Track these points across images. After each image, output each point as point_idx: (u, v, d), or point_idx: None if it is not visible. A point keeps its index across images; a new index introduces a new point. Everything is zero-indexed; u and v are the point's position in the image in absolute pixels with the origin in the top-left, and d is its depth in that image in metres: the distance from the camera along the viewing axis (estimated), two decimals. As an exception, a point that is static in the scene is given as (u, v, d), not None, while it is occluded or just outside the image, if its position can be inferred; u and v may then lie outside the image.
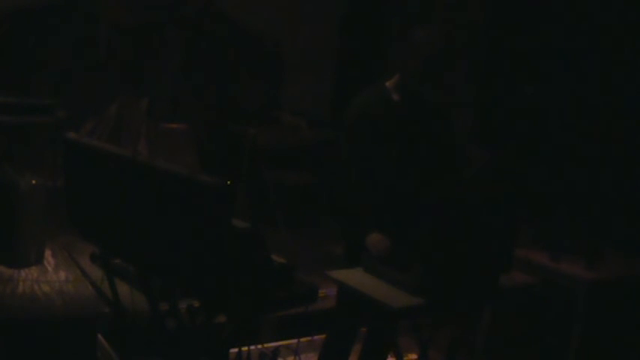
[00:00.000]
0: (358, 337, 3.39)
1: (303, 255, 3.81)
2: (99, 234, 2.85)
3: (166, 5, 5.77)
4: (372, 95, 3.22)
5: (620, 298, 3.94)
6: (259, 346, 3.50)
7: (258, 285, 2.38)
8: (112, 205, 2.66)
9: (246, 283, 2.33)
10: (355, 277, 2.87)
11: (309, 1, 6.32)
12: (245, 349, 3.31)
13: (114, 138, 5.42)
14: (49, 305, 3.84)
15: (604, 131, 4.67)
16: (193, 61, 5.93)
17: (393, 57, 5.74)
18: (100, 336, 3.49)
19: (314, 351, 3.78)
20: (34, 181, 4.27)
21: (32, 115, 5.01)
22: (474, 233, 2.70)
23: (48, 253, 4.47)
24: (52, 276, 4.22)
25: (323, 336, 3.73)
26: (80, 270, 4.28)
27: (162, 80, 5.72)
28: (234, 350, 3.33)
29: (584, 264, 3.72)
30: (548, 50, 5.08)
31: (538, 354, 4.10)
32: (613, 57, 4.70)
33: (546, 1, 5.13)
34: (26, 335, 3.54)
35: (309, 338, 3.90)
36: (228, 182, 2.23)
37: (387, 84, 3.22)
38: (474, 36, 5.57)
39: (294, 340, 3.63)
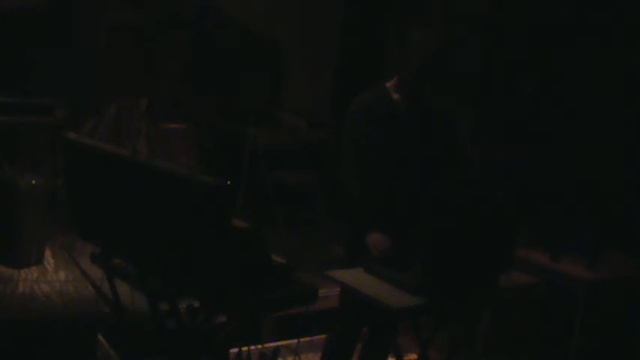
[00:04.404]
0: (360, 336, 3.39)
1: (303, 255, 3.81)
2: (99, 234, 2.85)
3: (166, 5, 5.77)
4: (373, 95, 3.23)
5: (620, 298, 3.94)
6: (259, 346, 3.50)
7: (259, 285, 2.38)
8: (112, 205, 2.66)
9: (246, 283, 2.33)
10: (355, 277, 2.87)
11: (310, 0, 6.31)
12: (245, 349, 3.31)
13: (114, 138, 5.42)
14: (49, 305, 3.84)
15: (604, 130, 4.67)
16: (193, 61, 5.94)
17: (393, 57, 5.74)
18: (100, 336, 3.49)
19: (314, 351, 3.78)
20: (34, 181, 4.27)
21: (32, 115, 5.01)
22: (473, 233, 2.70)
23: (48, 254, 4.48)
24: (52, 276, 4.23)
25: (323, 336, 3.73)
26: (80, 270, 4.28)
27: (162, 80, 5.72)
28: (234, 350, 3.33)
29: (584, 264, 3.72)
30: (549, 49, 5.08)
31: (538, 354, 4.10)
32: (614, 55, 4.70)
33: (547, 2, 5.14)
34: (26, 335, 3.54)
35: (309, 338, 3.90)
36: (228, 182, 2.23)
37: (388, 84, 3.23)
38: (474, 35, 5.57)
39: (294, 340, 3.63)
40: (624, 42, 4.65)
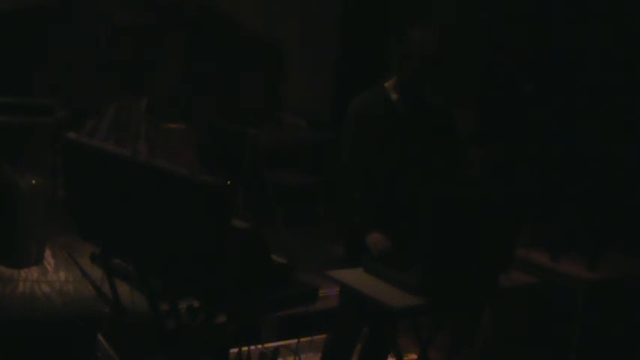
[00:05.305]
0: (360, 336, 3.39)
1: (303, 255, 3.81)
2: (99, 234, 2.85)
3: (166, 5, 5.77)
4: (372, 95, 3.23)
5: (620, 298, 3.94)
6: (259, 346, 3.50)
7: (258, 285, 2.38)
8: (112, 205, 2.66)
9: (246, 283, 2.33)
10: (355, 277, 2.87)
11: (309, 1, 6.31)
12: (245, 349, 3.31)
13: (114, 138, 5.42)
14: (49, 305, 3.84)
15: (604, 131, 4.67)
16: (193, 61, 5.94)
17: (393, 57, 5.74)
18: (100, 336, 3.49)
19: (314, 351, 3.78)
20: (34, 181, 4.27)
21: (32, 115, 5.01)
22: (473, 233, 2.70)
23: (48, 254, 4.48)
24: (52, 276, 4.23)
25: (323, 336, 3.73)
26: (80, 270, 4.28)
27: (162, 80, 5.72)
28: (234, 350, 3.33)
29: (584, 264, 3.72)
30: (548, 49, 5.07)
31: (538, 354, 4.09)
32: (613, 56, 4.70)
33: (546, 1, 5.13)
34: (26, 335, 3.54)
35: (309, 338, 3.90)
36: (228, 182, 2.23)
37: (386, 84, 3.23)
38: (474, 36, 5.57)
39: (294, 340, 3.63)
40: (625, 41, 4.65)
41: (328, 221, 5.55)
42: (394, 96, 3.20)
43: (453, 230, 2.66)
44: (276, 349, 3.55)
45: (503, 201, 2.86)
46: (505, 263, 2.90)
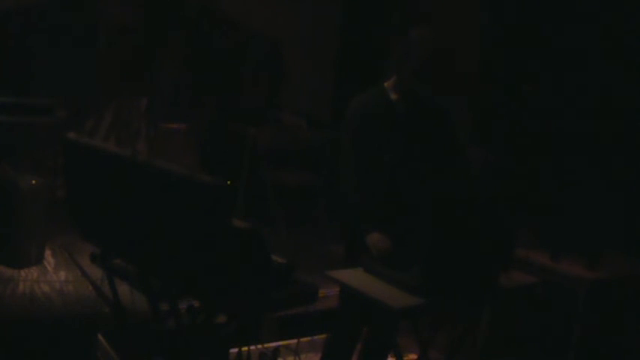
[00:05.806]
0: (360, 336, 3.39)
1: (303, 255, 3.81)
2: (99, 234, 2.85)
3: (166, 5, 5.77)
4: (371, 95, 3.23)
5: (620, 298, 3.94)
6: (259, 346, 3.50)
7: (258, 285, 2.38)
8: (112, 205, 2.66)
9: (246, 283, 2.33)
10: (355, 277, 2.87)
11: (309, 1, 6.32)
12: (245, 349, 3.31)
13: (114, 138, 5.42)
14: (49, 305, 3.84)
15: (604, 131, 4.67)
16: (193, 61, 5.94)
17: (392, 57, 5.74)
18: (100, 336, 3.49)
19: (314, 351, 3.78)
20: (34, 181, 4.28)
21: (32, 115, 5.02)
22: (473, 233, 2.70)
23: (48, 253, 4.48)
24: (52, 276, 4.23)
25: (323, 336, 3.73)
26: (80, 270, 4.28)
27: (162, 80, 5.72)
28: (234, 350, 3.33)
29: (584, 264, 3.72)
30: (548, 49, 5.07)
31: (538, 354, 4.10)
32: (613, 56, 4.70)
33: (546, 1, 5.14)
34: (26, 335, 3.55)
35: (309, 338, 3.90)
36: (228, 182, 2.24)
37: (386, 84, 3.23)
38: (474, 36, 5.57)
39: (294, 340, 3.63)
40: (624, 41, 4.65)
41: (328, 221, 5.56)
42: (394, 96, 3.20)
43: (453, 230, 2.66)
44: (276, 349, 3.55)
45: (503, 201, 2.87)
46: (505, 263, 2.90)
